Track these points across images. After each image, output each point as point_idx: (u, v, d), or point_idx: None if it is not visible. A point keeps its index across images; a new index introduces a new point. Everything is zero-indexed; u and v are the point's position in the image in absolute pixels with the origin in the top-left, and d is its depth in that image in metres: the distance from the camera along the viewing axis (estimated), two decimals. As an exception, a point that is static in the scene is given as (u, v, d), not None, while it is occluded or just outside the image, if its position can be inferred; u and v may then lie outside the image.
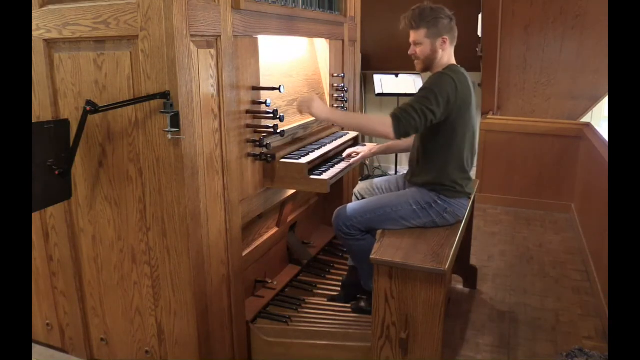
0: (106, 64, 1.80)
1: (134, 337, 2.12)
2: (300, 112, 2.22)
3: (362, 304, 2.40)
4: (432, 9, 2.18)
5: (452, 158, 2.20)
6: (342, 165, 2.43)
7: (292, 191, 2.53)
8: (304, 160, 2.23)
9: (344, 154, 2.60)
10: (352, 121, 2.31)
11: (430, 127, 2.10)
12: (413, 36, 2.22)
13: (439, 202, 2.21)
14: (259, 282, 2.55)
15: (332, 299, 2.51)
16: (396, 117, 2.03)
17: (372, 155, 2.67)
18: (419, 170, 2.29)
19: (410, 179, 2.37)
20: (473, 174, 2.54)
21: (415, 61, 2.27)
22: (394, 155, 5.33)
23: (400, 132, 2.04)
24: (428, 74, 2.26)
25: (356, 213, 2.27)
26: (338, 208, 2.35)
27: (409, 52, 2.27)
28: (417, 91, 2.15)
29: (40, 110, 1.99)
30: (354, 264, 2.47)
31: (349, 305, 2.45)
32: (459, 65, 2.25)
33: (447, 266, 1.86)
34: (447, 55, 2.22)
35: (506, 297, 2.93)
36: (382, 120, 2.06)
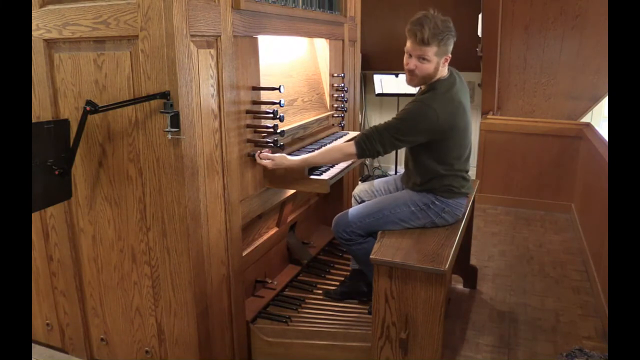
0: (106, 64, 1.80)
1: (134, 337, 2.12)
2: (272, 168, 2.17)
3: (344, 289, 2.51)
4: (443, 22, 2.04)
5: (446, 169, 2.18)
6: (342, 165, 2.43)
7: (292, 191, 2.53)
8: (303, 160, 2.22)
9: None
10: (326, 156, 2.23)
11: (417, 145, 2.13)
12: (421, 52, 2.04)
13: (437, 202, 2.21)
14: (259, 282, 2.54)
15: (326, 292, 2.52)
16: (359, 145, 2.11)
17: None
18: (413, 177, 2.28)
19: (406, 184, 2.36)
20: (472, 173, 2.54)
21: (411, 76, 2.12)
22: (393, 154, 5.33)
23: (364, 156, 2.15)
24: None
25: (355, 218, 2.26)
26: (337, 215, 2.35)
27: (409, 67, 2.09)
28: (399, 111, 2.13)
29: (40, 110, 1.99)
30: (357, 267, 2.47)
31: (349, 305, 2.44)
32: (451, 71, 2.18)
33: (447, 266, 1.86)
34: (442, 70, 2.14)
35: (506, 297, 2.93)
36: (349, 149, 2.14)
